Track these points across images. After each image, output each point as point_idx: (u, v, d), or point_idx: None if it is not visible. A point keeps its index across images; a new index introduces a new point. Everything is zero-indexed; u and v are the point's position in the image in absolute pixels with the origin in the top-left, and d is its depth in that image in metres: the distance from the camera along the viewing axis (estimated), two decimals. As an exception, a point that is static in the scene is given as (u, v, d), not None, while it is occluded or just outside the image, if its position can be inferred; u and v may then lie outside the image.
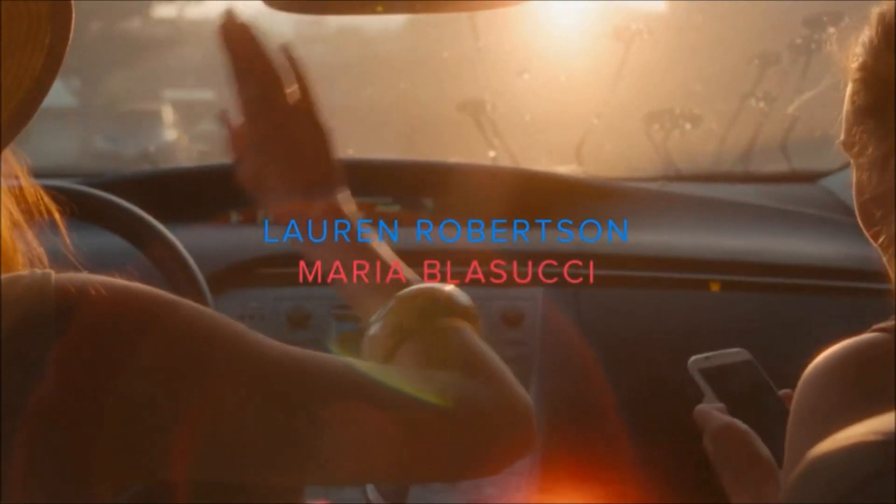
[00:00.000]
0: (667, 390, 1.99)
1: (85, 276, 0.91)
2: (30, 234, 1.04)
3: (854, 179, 1.15)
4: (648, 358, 2.01)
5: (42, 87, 0.92)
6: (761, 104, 2.63)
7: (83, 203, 1.68)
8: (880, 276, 2.10)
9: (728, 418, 1.30)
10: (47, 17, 0.90)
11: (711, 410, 1.32)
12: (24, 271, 0.93)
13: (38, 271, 0.91)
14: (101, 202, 1.62)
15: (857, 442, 0.72)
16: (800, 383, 0.99)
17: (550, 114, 2.88)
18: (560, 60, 2.74)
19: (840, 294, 2.10)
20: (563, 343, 1.99)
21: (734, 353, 1.41)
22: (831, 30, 2.53)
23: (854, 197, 1.15)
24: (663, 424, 2.00)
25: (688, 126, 2.64)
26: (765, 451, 1.26)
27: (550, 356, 1.97)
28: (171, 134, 4.48)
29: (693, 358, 1.38)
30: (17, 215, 1.03)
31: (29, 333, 0.86)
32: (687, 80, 2.82)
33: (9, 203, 1.02)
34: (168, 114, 4.56)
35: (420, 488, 1.82)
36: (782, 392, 1.37)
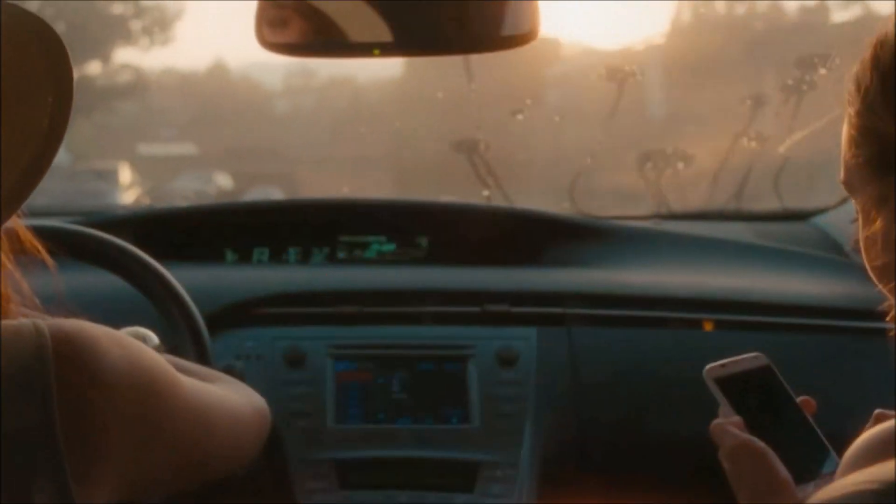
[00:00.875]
0: (661, 428, 2.00)
1: (73, 324, 0.96)
2: (18, 277, 1.06)
3: (857, 216, 1.14)
4: (642, 396, 2.02)
5: (51, 143, 0.93)
6: (753, 144, 2.65)
7: (80, 243, 1.70)
8: (872, 314, 2.12)
9: (745, 436, 1.26)
10: (46, 75, 0.91)
11: (728, 427, 1.28)
12: (16, 320, 0.95)
13: (29, 321, 0.95)
14: (99, 242, 1.63)
15: (857, 490, 0.73)
16: (847, 453, 0.99)
17: (544, 153, 2.90)
18: (554, 101, 2.76)
19: (832, 333, 2.10)
20: (557, 382, 2.00)
21: (751, 359, 1.38)
22: (822, 71, 2.56)
23: (858, 233, 1.15)
24: (659, 461, 2.01)
25: (680, 165, 2.66)
26: (782, 470, 1.24)
27: (545, 395, 1.97)
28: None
29: (708, 366, 1.36)
30: (6, 259, 1.05)
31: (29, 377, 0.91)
32: (679, 120, 2.84)
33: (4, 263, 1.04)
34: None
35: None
36: (800, 399, 1.35)
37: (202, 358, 1.73)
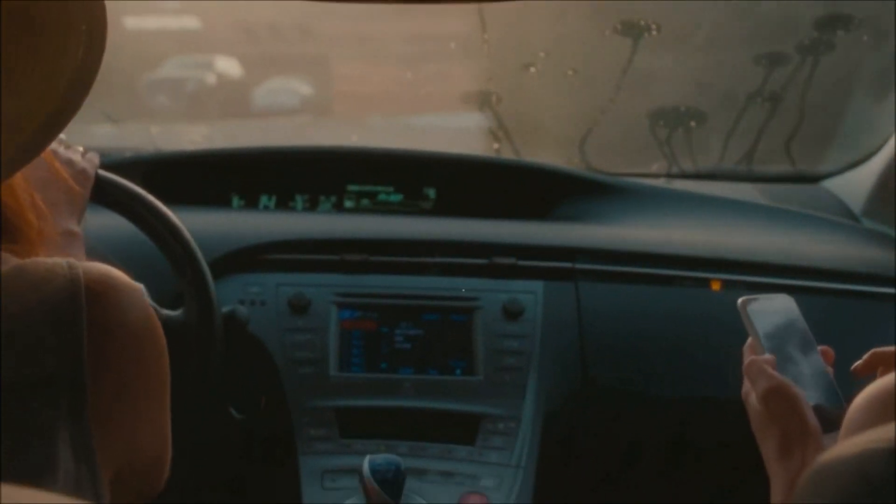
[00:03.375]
0: (665, 385, 2.00)
1: (103, 268, 0.98)
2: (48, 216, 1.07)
3: None
4: (646, 353, 2.02)
5: (86, 72, 0.92)
6: (767, 104, 2.62)
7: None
8: (882, 279, 2.11)
9: (782, 378, 1.25)
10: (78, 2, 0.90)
11: (765, 367, 1.27)
12: (49, 259, 0.96)
13: (63, 260, 0.96)
14: (105, 182, 1.62)
15: (866, 448, 0.72)
16: (852, 406, 0.97)
17: (555, 108, 2.88)
18: (567, 55, 2.73)
19: (841, 295, 2.09)
20: (563, 337, 1.99)
21: (783, 299, 1.38)
22: (840, 32, 2.53)
23: None
24: (662, 418, 2.01)
25: (692, 124, 2.64)
26: (813, 418, 1.23)
27: (550, 349, 1.97)
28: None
29: (744, 297, 1.36)
30: (38, 200, 1.06)
31: (60, 313, 0.92)
32: (694, 78, 2.81)
33: (27, 187, 1.04)
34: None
35: (415, 480, 1.82)
36: (821, 348, 1.34)
37: (205, 301, 1.72)
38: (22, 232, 1.02)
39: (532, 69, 2.68)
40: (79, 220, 1.42)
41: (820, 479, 0.76)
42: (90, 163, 1.51)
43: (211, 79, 4.68)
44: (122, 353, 0.97)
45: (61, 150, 1.46)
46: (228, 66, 4.74)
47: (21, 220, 1.02)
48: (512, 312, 1.98)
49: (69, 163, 1.45)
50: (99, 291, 0.95)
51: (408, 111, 3.45)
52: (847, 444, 0.76)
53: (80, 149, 1.53)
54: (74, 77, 0.90)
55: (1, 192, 0.99)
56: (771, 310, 1.36)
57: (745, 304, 1.36)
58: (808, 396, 1.25)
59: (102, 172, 1.66)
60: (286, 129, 3.91)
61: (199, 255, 1.72)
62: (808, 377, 1.28)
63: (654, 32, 2.48)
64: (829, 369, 1.33)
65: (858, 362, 1.27)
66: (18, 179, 1.02)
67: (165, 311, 1.72)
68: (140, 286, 1.02)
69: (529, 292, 2.02)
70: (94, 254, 1.24)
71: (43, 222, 1.06)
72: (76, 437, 0.92)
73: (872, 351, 1.25)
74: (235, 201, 2.35)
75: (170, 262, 1.73)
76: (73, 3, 0.89)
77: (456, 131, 3.05)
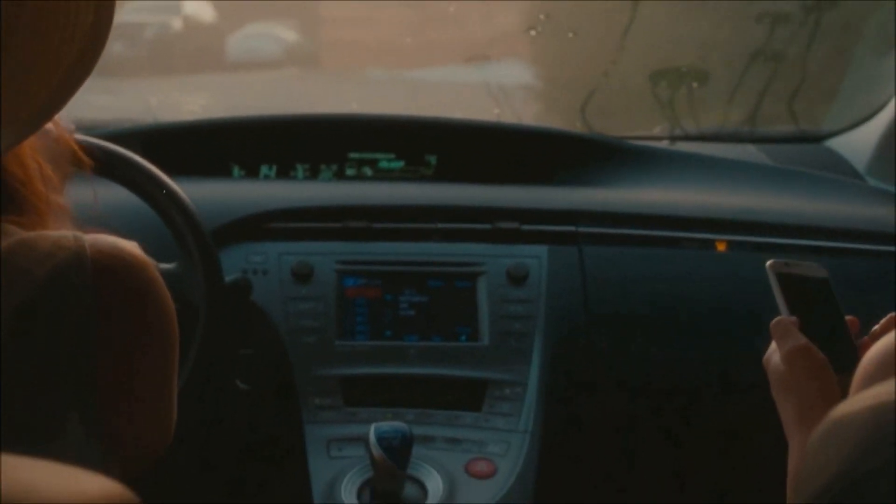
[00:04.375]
0: (670, 347, 1.99)
1: (110, 239, 0.97)
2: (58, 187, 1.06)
3: None
4: (651, 315, 2.01)
5: (96, 40, 0.90)
6: (770, 64, 2.60)
7: (86, 153, 1.67)
8: (883, 237, 2.10)
9: (807, 340, 1.22)
10: None
11: (792, 327, 1.23)
12: (54, 231, 0.95)
13: (70, 233, 0.95)
14: (106, 152, 1.61)
15: (880, 402, 0.71)
16: (861, 362, 0.96)
17: (557, 71, 2.86)
18: (567, 17, 2.71)
19: (844, 255, 2.08)
20: (568, 301, 1.98)
21: (813, 267, 1.36)
22: (843, -11, 2.51)
23: None
24: (668, 383, 2.00)
25: (695, 85, 2.62)
26: (835, 385, 1.22)
27: (555, 314, 1.96)
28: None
29: (772, 261, 1.33)
30: (47, 169, 1.05)
31: (67, 286, 0.92)
32: (695, 38, 2.79)
33: (36, 156, 1.03)
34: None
35: (422, 447, 1.82)
36: (848, 318, 1.33)
37: (209, 270, 1.71)
38: (29, 203, 1.00)
39: (533, 32, 2.66)
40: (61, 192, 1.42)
41: (832, 434, 0.75)
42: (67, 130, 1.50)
43: (177, 24, 4.08)
44: (131, 326, 0.96)
45: None
46: (198, 8, 4.18)
47: (29, 191, 1.01)
48: (516, 277, 1.97)
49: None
50: (106, 264, 0.94)
51: (410, 64, 3.27)
52: (859, 398, 0.75)
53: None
54: (84, 44, 0.89)
55: (7, 161, 0.98)
56: (799, 276, 1.34)
57: (772, 268, 1.32)
58: (835, 369, 1.23)
59: (103, 143, 1.65)
60: (269, 84, 3.60)
61: (202, 224, 1.71)
62: (833, 350, 1.26)
63: (655, -8, 2.46)
64: (854, 341, 1.31)
65: (877, 326, 1.26)
66: (26, 148, 1.01)
67: (164, 266, 1.71)
68: (150, 259, 1.00)
69: (533, 257, 2.01)
70: (102, 225, 1.24)
71: (52, 192, 1.05)
72: (85, 410, 0.91)
73: (892, 314, 1.23)
74: (236, 171, 2.33)
75: (171, 231, 1.72)
76: None
77: (462, 87, 2.98)
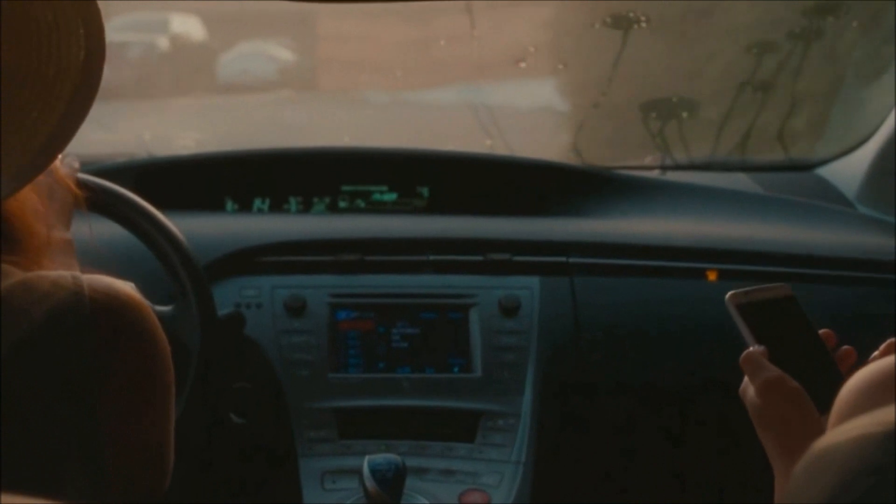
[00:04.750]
0: (663, 377, 2.00)
1: (107, 280, 0.98)
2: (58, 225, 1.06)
3: None
4: (643, 345, 2.01)
5: (90, 78, 0.91)
6: (758, 93, 2.62)
7: (80, 190, 1.68)
8: (879, 265, 2.11)
9: (779, 371, 1.22)
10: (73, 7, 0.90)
11: (762, 359, 1.22)
12: (53, 272, 0.97)
13: (68, 273, 0.96)
14: (98, 189, 1.62)
15: (863, 433, 0.72)
16: (842, 391, 0.96)
17: (547, 102, 2.87)
18: (557, 49, 2.73)
19: (835, 283, 2.09)
20: (560, 332, 1.99)
21: (775, 288, 1.34)
22: (830, 19, 2.53)
23: None
24: (661, 411, 2.01)
25: (685, 115, 2.63)
26: (814, 410, 1.22)
27: (548, 345, 1.96)
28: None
29: (731, 293, 1.31)
30: (46, 207, 1.05)
31: (65, 326, 0.92)
32: (685, 68, 2.80)
33: (35, 197, 1.03)
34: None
35: (416, 479, 1.82)
36: (822, 331, 1.32)
37: (202, 305, 1.72)
38: (26, 243, 1.01)
39: (522, 64, 2.67)
40: (68, 227, 1.43)
41: (815, 467, 0.75)
42: (70, 168, 1.51)
43: (163, 43, 3.75)
44: (127, 365, 0.96)
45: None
46: (187, 26, 3.81)
47: (26, 232, 1.01)
48: (508, 308, 1.98)
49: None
50: (104, 304, 0.95)
51: (413, 84, 3.15)
52: (842, 430, 0.76)
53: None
54: (79, 79, 0.90)
55: (6, 201, 0.98)
56: (762, 302, 1.33)
57: (732, 300, 1.29)
58: (812, 388, 1.23)
59: (96, 180, 1.66)
60: (262, 108, 3.40)
61: (195, 259, 1.72)
62: (808, 369, 1.26)
63: (644, 24, 2.47)
64: (830, 354, 1.31)
65: (876, 352, 1.26)
66: (26, 189, 1.01)
67: (158, 308, 1.72)
68: (145, 302, 1.01)
69: (525, 288, 2.01)
70: (96, 262, 1.24)
71: (50, 232, 1.06)
72: (85, 449, 0.91)
73: (891, 340, 1.23)
74: (229, 205, 2.34)
75: (165, 267, 1.73)
76: (68, 6, 0.89)
77: (459, 112, 2.91)
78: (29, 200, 1.02)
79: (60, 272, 0.96)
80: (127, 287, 0.99)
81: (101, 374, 0.93)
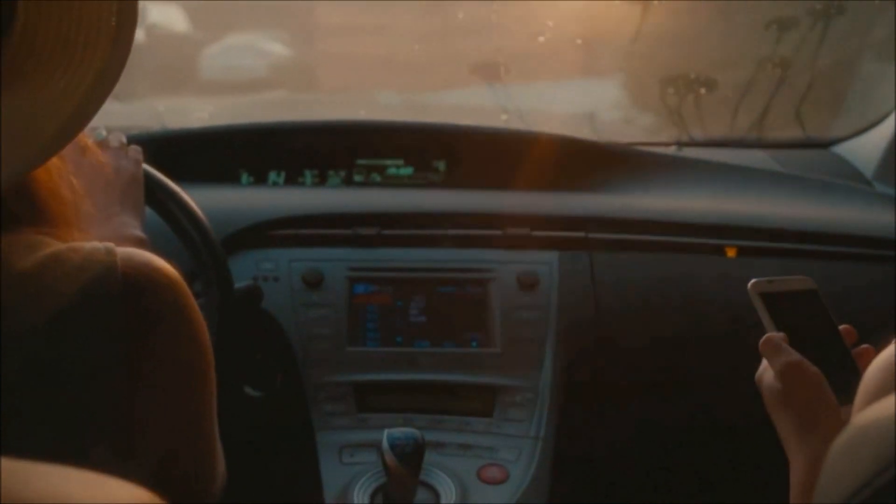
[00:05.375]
0: (682, 353, 1.99)
1: (144, 255, 0.95)
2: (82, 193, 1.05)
3: None
4: (662, 321, 2.01)
5: (113, 66, 0.90)
6: (777, 70, 2.61)
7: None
8: (891, 242, 2.10)
9: (799, 356, 1.23)
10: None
11: (783, 344, 1.24)
12: (87, 244, 0.94)
13: (102, 246, 0.93)
14: None
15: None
16: (868, 370, 0.96)
17: (565, 77, 2.85)
18: (576, 24, 2.71)
19: (851, 260, 2.09)
20: (578, 307, 1.98)
21: (799, 281, 1.36)
22: (851, -5, 2.52)
23: None
24: (680, 386, 2.00)
25: (703, 91, 2.62)
26: (832, 396, 1.22)
27: (566, 320, 1.96)
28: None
29: (754, 280, 1.32)
30: (76, 182, 1.03)
31: (97, 302, 0.90)
32: (703, 44, 2.79)
33: (62, 164, 1.02)
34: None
35: (433, 454, 1.81)
36: (842, 327, 1.33)
37: (220, 278, 1.71)
38: (59, 212, 0.99)
39: (541, 38, 2.66)
40: (142, 225, 1.43)
41: (856, 443, 0.74)
42: (134, 161, 1.52)
43: (139, 36, 2.89)
44: (161, 345, 0.93)
45: (111, 139, 1.48)
46: (167, 16, 3.38)
47: (56, 200, 0.99)
48: (527, 283, 1.97)
49: (117, 167, 1.46)
50: (138, 282, 0.92)
51: (425, 84, 3.03)
52: (884, 406, 0.75)
53: (123, 140, 1.54)
54: (101, 69, 0.89)
55: (36, 174, 0.97)
56: (784, 293, 1.34)
57: (754, 288, 1.32)
58: (829, 379, 1.23)
59: None
60: (249, 109, 3.16)
61: (212, 232, 1.71)
62: (825, 360, 1.26)
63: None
64: (848, 348, 1.31)
65: None
66: (54, 159, 0.99)
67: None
68: (183, 282, 0.97)
69: (544, 263, 2.01)
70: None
71: (79, 198, 1.04)
72: (115, 430, 0.90)
73: None
74: (244, 178, 2.33)
75: (181, 240, 1.72)
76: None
77: (476, 106, 2.85)
78: (54, 168, 1.00)
79: (95, 244, 0.94)
80: (164, 264, 0.96)
81: (133, 355, 0.90)
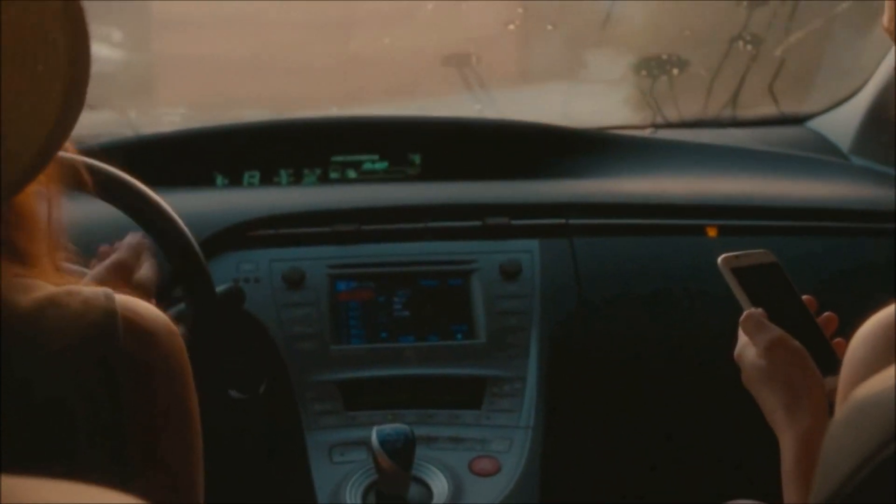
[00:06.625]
0: (667, 336, 1.99)
1: (142, 303, 0.96)
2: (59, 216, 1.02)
3: None
4: (647, 304, 2.01)
5: (78, 80, 0.88)
6: (749, 47, 2.60)
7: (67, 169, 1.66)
8: (875, 215, 2.11)
9: (781, 331, 1.23)
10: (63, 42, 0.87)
11: (764, 320, 1.25)
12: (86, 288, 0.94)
13: (100, 291, 0.93)
14: (91, 170, 1.59)
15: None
16: (853, 340, 0.96)
17: (537, 64, 2.84)
18: (546, 9, 2.70)
19: (835, 234, 2.09)
20: (562, 293, 1.98)
21: (761, 254, 1.36)
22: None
23: None
24: (667, 369, 2.00)
25: (675, 71, 2.62)
26: (816, 368, 1.22)
27: (550, 307, 1.95)
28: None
29: (723, 256, 1.33)
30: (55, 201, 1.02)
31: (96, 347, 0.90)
32: (674, 24, 2.78)
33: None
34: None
35: (424, 448, 1.80)
36: (804, 297, 1.33)
37: (201, 283, 1.69)
38: (28, 249, 0.97)
39: (511, 26, 2.65)
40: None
41: (857, 419, 0.74)
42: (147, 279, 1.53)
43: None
44: (158, 391, 0.93)
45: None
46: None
47: (25, 235, 0.97)
48: (509, 273, 1.96)
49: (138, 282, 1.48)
50: (138, 327, 0.92)
51: (397, 78, 2.84)
52: (882, 379, 0.75)
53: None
54: (67, 87, 0.87)
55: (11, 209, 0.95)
56: (752, 267, 1.34)
57: (725, 263, 1.33)
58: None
59: (89, 160, 1.63)
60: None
61: (190, 236, 1.69)
62: (797, 331, 1.26)
63: (633, -19, 2.45)
64: (813, 318, 1.32)
65: None
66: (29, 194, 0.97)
67: (172, 310, 1.68)
68: (176, 330, 0.98)
69: (525, 251, 2.00)
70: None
71: (58, 234, 1.02)
72: (116, 475, 0.89)
73: None
74: (219, 180, 2.31)
75: (159, 246, 1.70)
76: (48, 7, 0.86)
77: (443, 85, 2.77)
78: (34, 206, 0.98)
79: (93, 289, 0.93)
80: (160, 313, 0.96)
81: (131, 396, 0.90)
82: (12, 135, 0.84)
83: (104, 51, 2.76)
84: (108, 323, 0.90)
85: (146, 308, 0.95)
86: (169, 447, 0.95)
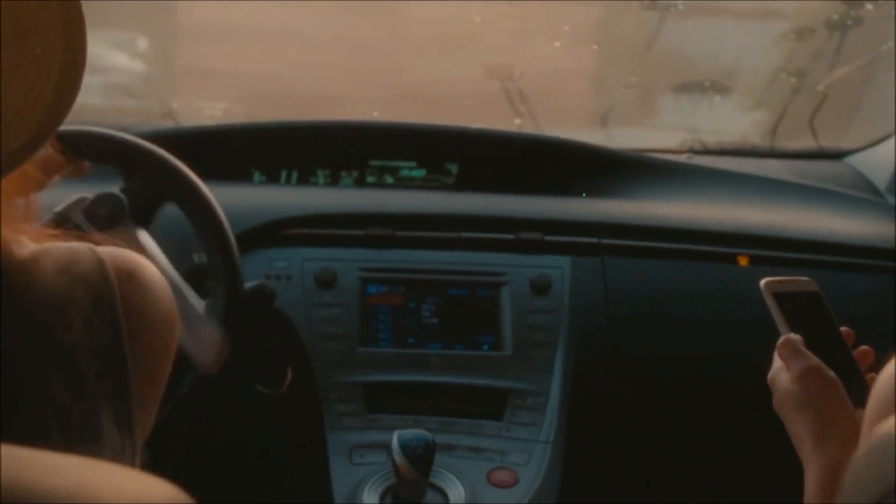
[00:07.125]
0: (693, 361, 1.99)
1: (122, 249, 0.98)
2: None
3: None
4: (674, 328, 2.01)
5: (73, 69, 0.90)
6: (792, 79, 2.61)
7: (116, 148, 1.68)
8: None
9: (817, 360, 1.23)
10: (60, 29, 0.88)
11: (801, 347, 1.24)
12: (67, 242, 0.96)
13: (84, 244, 0.96)
14: (134, 147, 1.61)
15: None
16: (880, 375, 0.96)
17: (579, 82, 2.85)
18: (591, 29, 2.71)
19: (867, 271, 2.09)
20: (590, 312, 1.98)
21: (805, 282, 1.35)
22: (869, 6, 2.51)
23: None
24: (690, 393, 2.00)
25: (717, 98, 2.62)
26: (849, 400, 1.22)
27: (578, 325, 1.96)
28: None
29: (766, 279, 1.32)
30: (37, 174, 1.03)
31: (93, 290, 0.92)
32: (719, 52, 2.79)
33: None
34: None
35: (443, 456, 1.81)
36: (843, 329, 1.32)
37: (232, 276, 1.70)
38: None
39: (556, 43, 2.66)
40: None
41: (879, 452, 0.74)
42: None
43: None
44: (152, 335, 0.96)
45: None
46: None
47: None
48: (539, 287, 1.97)
49: None
50: (127, 273, 0.95)
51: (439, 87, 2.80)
52: None
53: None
54: (61, 76, 0.89)
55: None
56: (794, 294, 1.34)
57: (768, 287, 1.32)
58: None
59: (128, 136, 1.65)
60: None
61: (230, 231, 1.70)
62: (833, 362, 1.26)
63: (680, 6, 2.46)
64: (850, 350, 1.31)
65: None
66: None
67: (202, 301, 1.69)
68: (161, 276, 1.01)
69: (556, 268, 2.01)
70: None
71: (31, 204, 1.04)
72: (119, 411, 0.91)
73: None
74: (256, 176, 2.33)
75: (198, 234, 1.71)
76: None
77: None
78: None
79: (76, 243, 0.96)
80: (145, 260, 0.99)
81: (129, 342, 0.93)
82: (11, 111, 0.86)
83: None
84: (101, 270, 0.93)
85: (132, 256, 0.98)
86: (161, 373, 1.00)
